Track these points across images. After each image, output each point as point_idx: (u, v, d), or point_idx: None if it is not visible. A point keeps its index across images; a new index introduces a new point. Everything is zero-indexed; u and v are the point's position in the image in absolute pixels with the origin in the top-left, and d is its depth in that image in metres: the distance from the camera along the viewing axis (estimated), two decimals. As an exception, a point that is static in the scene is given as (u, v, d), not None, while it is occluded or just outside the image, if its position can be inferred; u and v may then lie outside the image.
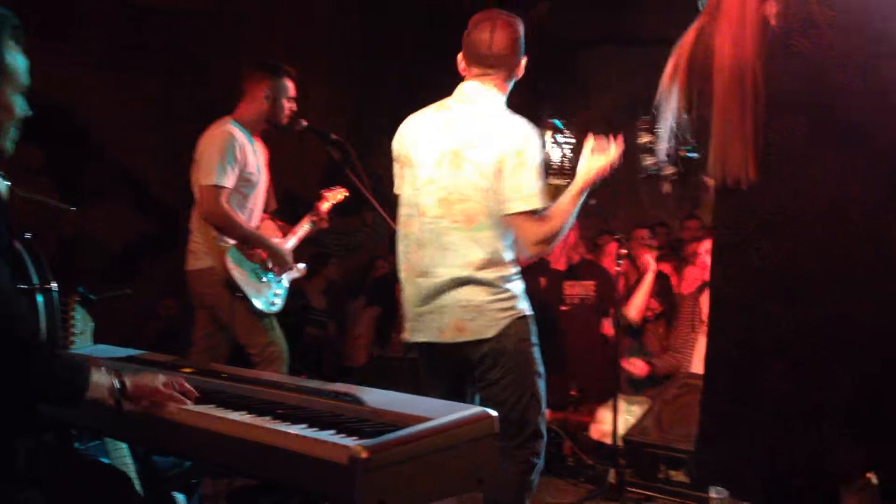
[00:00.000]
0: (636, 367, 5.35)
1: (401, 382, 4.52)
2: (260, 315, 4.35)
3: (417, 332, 3.17)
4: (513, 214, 3.01)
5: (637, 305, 5.59)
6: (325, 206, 4.83)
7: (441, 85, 3.34)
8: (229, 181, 4.24)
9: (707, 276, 5.25)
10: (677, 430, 4.37)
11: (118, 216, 6.07)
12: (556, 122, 3.26)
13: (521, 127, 3.07)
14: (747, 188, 1.93)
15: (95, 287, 3.75)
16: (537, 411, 3.07)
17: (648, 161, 2.36)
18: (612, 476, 4.36)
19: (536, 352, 3.10)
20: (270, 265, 4.42)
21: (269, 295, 4.42)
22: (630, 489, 4.33)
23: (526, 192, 3.00)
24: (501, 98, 3.18)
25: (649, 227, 7.55)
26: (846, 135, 1.86)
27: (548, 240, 3.05)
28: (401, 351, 6.09)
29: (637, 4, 8.91)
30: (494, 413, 1.95)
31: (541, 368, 3.11)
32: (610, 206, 8.13)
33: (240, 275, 4.30)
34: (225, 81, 5.18)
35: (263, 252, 4.40)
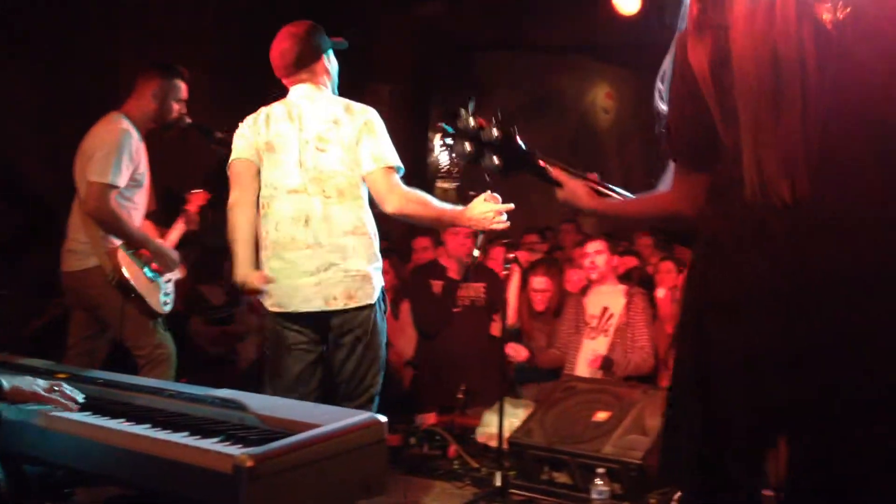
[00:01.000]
0: (516, 351, 5.43)
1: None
2: (152, 316, 4.27)
3: (296, 301, 3.44)
4: (372, 171, 3.42)
5: (512, 307, 5.67)
6: (192, 208, 4.82)
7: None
8: (122, 180, 4.14)
9: (594, 277, 5.40)
10: (561, 432, 4.43)
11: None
12: (447, 126, 3.25)
13: (365, 106, 3.54)
14: (793, 203, 1.81)
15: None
16: (379, 375, 3.54)
17: (469, 148, 2.27)
18: (497, 479, 4.39)
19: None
20: (156, 266, 4.31)
21: (160, 296, 4.33)
22: (514, 491, 4.36)
23: (379, 152, 3.43)
24: (329, 92, 3.61)
25: (538, 231, 7.65)
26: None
27: (405, 200, 3.44)
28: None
29: (530, 10, 9.03)
30: (384, 419, 1.93)
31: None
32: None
33: (133, 274, 4.20)
34: (108, 74, 5.02)
35: (148, 253, 4.29)
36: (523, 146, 2.27)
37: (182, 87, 4.41)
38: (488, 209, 3.39)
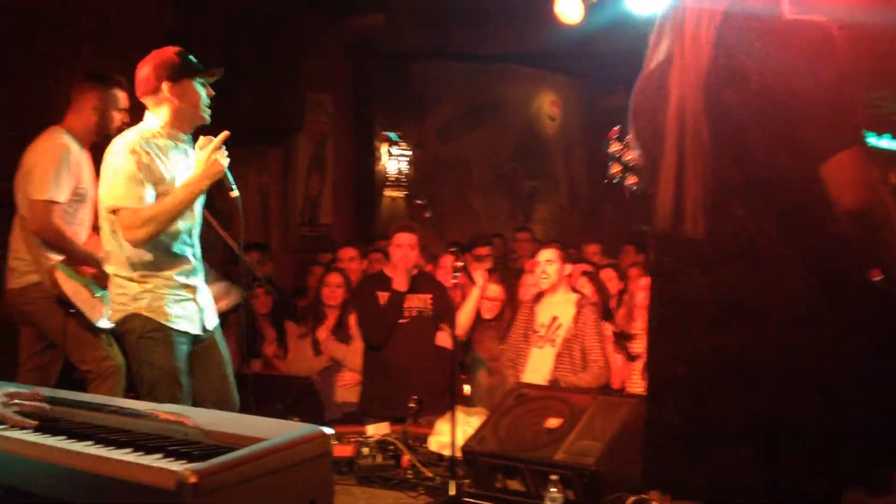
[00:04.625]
0: (443, 340, 5.40)
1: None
2: (95, 331, 4.23)
3: None
4: (106, 208, 3.52)
5: (461, 323, 5.61)
6: None
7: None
8: (63, 196, 4.11)
9: (541, 285, 5.42)
10: (514, 440, 4.43)
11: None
12: (391, 134, 3.27)
13: (116, 141, 3.61)
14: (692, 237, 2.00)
15: None
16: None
17: (615, 169, 2.39)
18: (451, 488, 4.37)
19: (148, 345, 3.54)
20: (101, 282, 4.28)
21: (104, 310, 4.26)
22: (468, 500, 4.35)
23: (107, 192, 3.51)
24: (150, 118, 3.67)
25: (486, 239, 7.67)
26: (765, 190, 1.96)
27: (138, 226, 3.43)
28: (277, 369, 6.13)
29: (467, 20, 9.08)
30: (329, 431, 1.91)
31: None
32: (446, 219, 8.22)
33: (72, 289, 4.15)
34: (43, 86, 4.95)
35: (93, 269, 4.24)
36: None
37: (121, 96, 4.37)
38: (204, 154, 3.50)
